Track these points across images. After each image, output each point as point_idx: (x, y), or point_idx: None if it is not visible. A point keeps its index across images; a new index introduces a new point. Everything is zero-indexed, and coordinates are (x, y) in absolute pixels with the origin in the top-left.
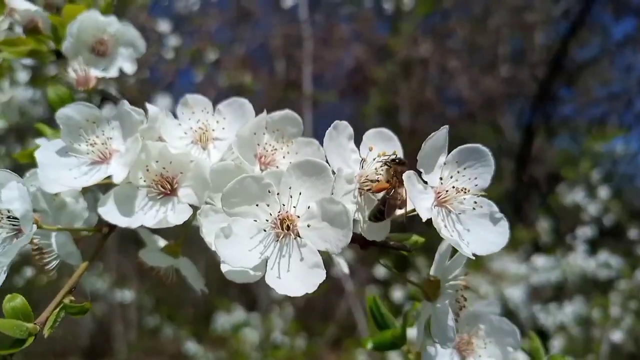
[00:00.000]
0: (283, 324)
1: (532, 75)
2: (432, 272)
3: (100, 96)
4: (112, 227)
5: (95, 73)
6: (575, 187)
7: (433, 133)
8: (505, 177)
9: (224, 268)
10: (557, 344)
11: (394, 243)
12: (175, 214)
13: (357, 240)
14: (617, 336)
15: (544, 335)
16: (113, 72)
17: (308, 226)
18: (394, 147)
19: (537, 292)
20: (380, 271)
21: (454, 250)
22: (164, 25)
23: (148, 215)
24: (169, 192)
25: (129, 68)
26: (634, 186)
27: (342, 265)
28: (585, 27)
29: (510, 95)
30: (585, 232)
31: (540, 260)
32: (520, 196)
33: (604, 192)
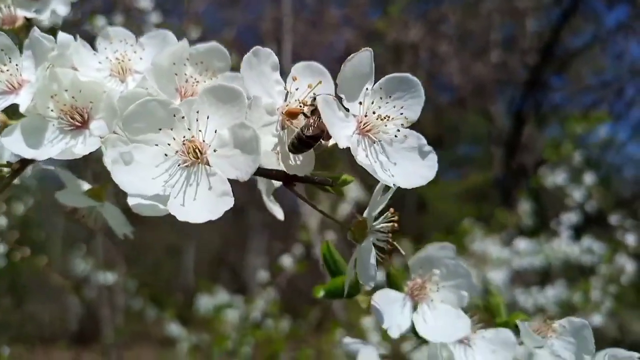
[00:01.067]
0: (266, 305)
1: (522, 62)
2: (365, 214)
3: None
4: (24, 164)
5: (23, 13)
6: (557, 169)
7: (353, 54)
8: (495, 164)
9: (131, 201)
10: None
11: (317, 178)
12: (84, 146)
13: (280, 177)
14: (596, 320)
15: None
16: (46, 15)
17: (219, 154)
18: (324, 82)
19: (522, 277)
20: None
21: (387, 190)
22: (144, 2)
23: (55, 147)
24: (80, 124)
25: (63, 10)
26: (622, 176)
27: (276, 211)
28: (578, 14)
29: (500, 82)
30: (569, 218)
31: (522, 244)
32: (509, 183)
33: (589, 178)
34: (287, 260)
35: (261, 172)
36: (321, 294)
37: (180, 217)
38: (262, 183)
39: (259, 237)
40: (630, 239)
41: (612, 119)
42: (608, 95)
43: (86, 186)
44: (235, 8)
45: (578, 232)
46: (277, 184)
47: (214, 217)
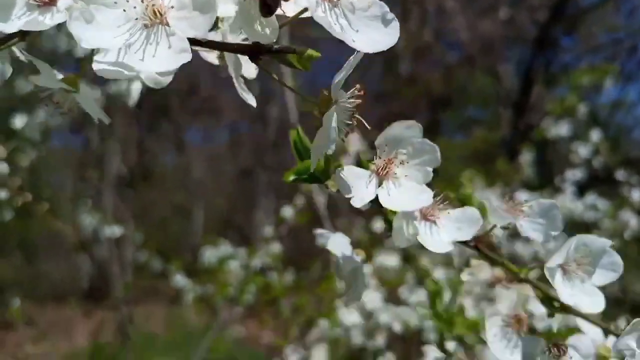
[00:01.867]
0: (266, 255)
1: (532, 19)
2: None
3: None
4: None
5: None
6: (560, 121)
7: None
8: (502, 125)
9: (96, 66)
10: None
11: (279, 47)
12: (51, 21)
13: (245, 50)
14: None
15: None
16: None
17: (179, 16)
18: None
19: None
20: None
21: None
22: None
23: (22, 20)
24: (48, 1)
25: None
26: (631, 137)
27: (248, 98)
28: None
29: (509, 39)
30: (574, 174)
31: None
32: (516, 144)
33: (595, 135)
34: (288, 211)
35: (224, 46)
36: (291, 177)
37: (138, 67)
38: (230, 63)
39: (266, 199)
40: (636, 195)
41: (623, 80)
42: (620, 53)
43: (61, 76)
44: None
45: (582, 190)
46: (249, 73)
47: (172, 68)
